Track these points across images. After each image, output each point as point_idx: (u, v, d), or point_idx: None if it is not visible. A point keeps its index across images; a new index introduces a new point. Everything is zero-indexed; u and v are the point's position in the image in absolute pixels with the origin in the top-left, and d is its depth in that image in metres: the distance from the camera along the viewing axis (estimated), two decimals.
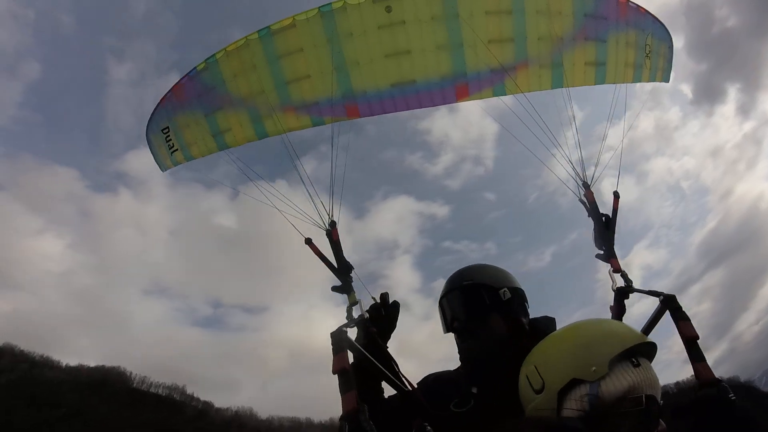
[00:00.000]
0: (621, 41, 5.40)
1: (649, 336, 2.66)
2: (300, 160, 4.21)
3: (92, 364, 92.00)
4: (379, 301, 3.07)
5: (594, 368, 1.93)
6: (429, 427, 2.22)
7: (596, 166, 4.11)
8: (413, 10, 4.38)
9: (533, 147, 4.22)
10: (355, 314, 2.99)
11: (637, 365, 1.95)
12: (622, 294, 3.20)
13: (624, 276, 3.32)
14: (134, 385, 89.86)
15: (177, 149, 5.17)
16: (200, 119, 4.94)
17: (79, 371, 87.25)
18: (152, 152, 5.34)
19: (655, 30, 5.73)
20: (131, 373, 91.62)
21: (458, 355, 2.93)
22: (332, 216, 3.70)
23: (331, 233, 3.60)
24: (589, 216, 3.77)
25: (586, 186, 3.91)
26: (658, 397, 1.92)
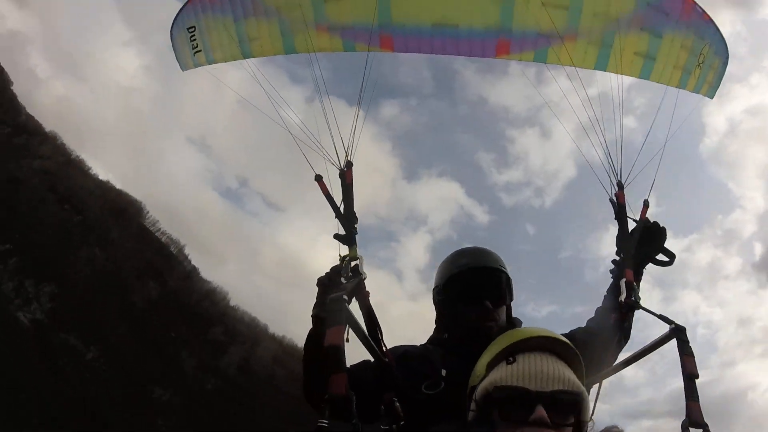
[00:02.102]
0: (677, 41, 5.16)
1: (647, 358, 2.71)
2: (326, 85, 3.86)
3: (118, 185, 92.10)
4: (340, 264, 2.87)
5: (477, 374, 2.13)
6: (398, 404, 2.25)
7: (632, 166, 3.87)
8: None
9: (576, 133, 4.05)
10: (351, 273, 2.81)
11: (512, 362, 1.98)
12: (629, 308, 3.01)
13: (634, 290, 3.09)
14: (145, 223, 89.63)
15: (200, 50, 4.99)
16: (229, 24, 4.75)
17: (106, 187, 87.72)
18: (174, 49, 5.16)
19: (714, 41, 5.48)
20: (147, 212, 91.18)
21: (436, 325, 2.93)
22: (350, 156, 3.37)
23: (345, 174, 3.29)
24: (615, 218, 3.57)
25: (620, 186, 3.69)
26: (536, 387, 1.90)
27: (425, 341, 2.99)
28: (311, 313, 2.72)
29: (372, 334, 2.62)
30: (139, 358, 63.84)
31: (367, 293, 2.73)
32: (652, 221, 3.47)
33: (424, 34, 4.17)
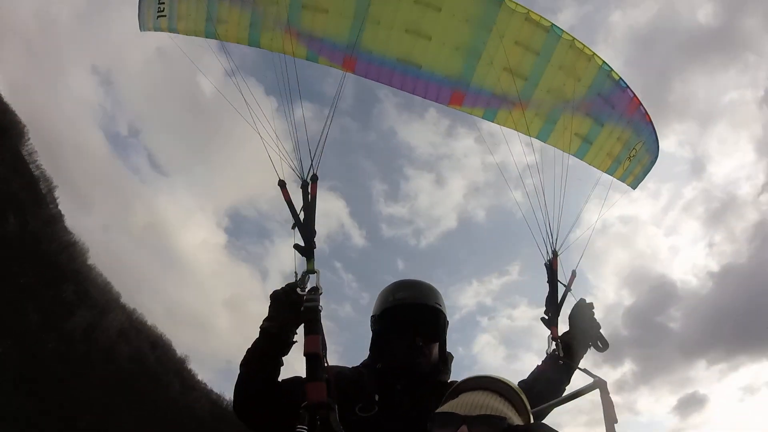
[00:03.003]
0: (615, 133, 5.57)
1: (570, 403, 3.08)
2: (300, 93, 3.75)
3: (5, 94, 79.45)
4: (298, 280, 2.92)
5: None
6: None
7: (562, 240, 4.24)
8: (454, 4, 4.30)
9: (521, 199, 4.39)
10: (309, 285, 2.87)
11: (455, 397, 2.21)
12: (554, 359, 3.46)
13: (558, 346, 3.53)
14: (23, 150, 78.63)
15: (165, 15, 4.83)
16: None
17: None
18: (139, 6, 4.98)
19: (649, 141, 5.95)
20: (29, 139, 79.61)
21: (370, 352, 2.98)
22: (316, 169, 3.27)
23: (309, 187, 3.19)
24: (547, 281, 3.98)
25: (555, 253, 4.08)
26: (464, 413, 2.09)
27: (358, 364, 3.03)
28: (261, 324, 2.76)
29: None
30: None
31: (320, 308, 2.74)
32: (578, 298, 3.82)
33: (387, 65, 4.26)
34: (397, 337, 2.82)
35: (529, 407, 2.29)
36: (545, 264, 4.04)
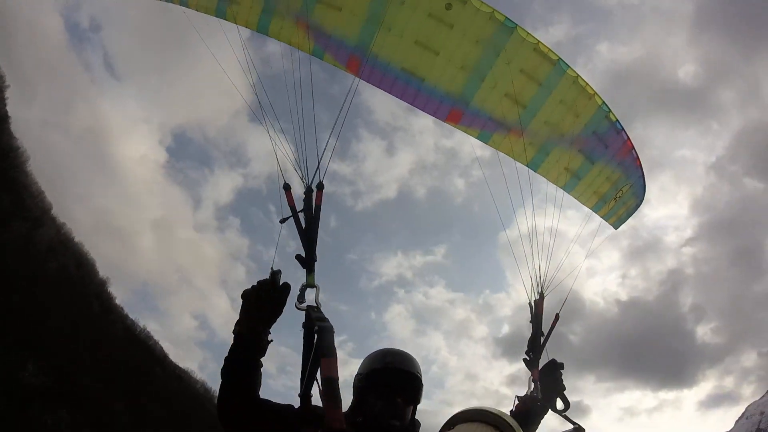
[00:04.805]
0: (605, 172, 5.66)
1: None
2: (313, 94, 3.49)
3: None
4: (269, 279, 2.76)
5: None
6: None
7: (547, 284, 4.33)
8: (467, 23, 4.34)
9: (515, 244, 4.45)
10: (308, 299, 2.80)
11: (450, 429, 2.19)
12: (532, 401, 3.65)
13: (537, 388, 3.71)
14: None
15: None
16: None
17: None
18: None
19: (636, 185, 6.05)
20: None
21: (352, 406, 2.97)
22: (322, 176, 3.10)
23: (315, 196, 3.04)
24: (530, 321, 4.11)
25: (541, 295, 4.20)
26: None
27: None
28: (233, 329, 2.67)
29: (311, 370, 2.65)
30: None
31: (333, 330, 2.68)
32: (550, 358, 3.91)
33: (391, 73, 4.28)
34: (378, 396, 2.87)
35: None
36: (530, 303, 4.16)
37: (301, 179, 3.15)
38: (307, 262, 2.90)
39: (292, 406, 2.67)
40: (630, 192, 6.11)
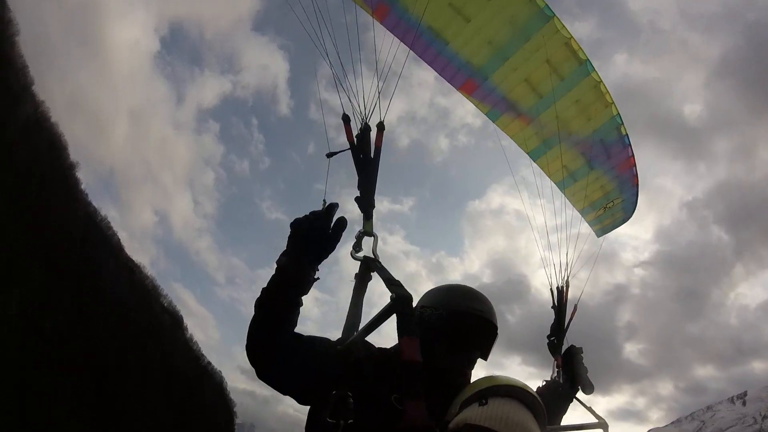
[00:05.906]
0: (600, 181, 5.72)
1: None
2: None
3: None
4: (323, 210, 2.45)
5: (451, 411, 2.27)
6: (352, 400, 2.05)
7: (569, 271, 4.42)
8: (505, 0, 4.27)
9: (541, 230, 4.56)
10: (364, 249, 2.51)
11: (484, 404, 2.14)
12: (555, 385, 3.70)
13: (560, 374, 3.77)
14: None
15: None
16: None
17: None
18: None
19: (628, 200, 6.12)
20: None
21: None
22: (383, 115, 2.81)
23: (377, 137, 2.76)
24: (552, 307, 4.17)
25: (567, 284, 4.28)
26: (494, 428, 2.07)
27: (388, 348, 2.67)
28: (277, 260, 2.39)
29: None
30: None
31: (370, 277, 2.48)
32: (571, 345, 3.97)
33: (413, 27, 4.23)
34: (452, 346, 2.55)
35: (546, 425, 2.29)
36: (555, 289, 4.25)
37: (356, 115, 2.84)
38: (367, 206, 2.61)
39: (334, 346, 2.35)
40: (620, 206, 6.19)
